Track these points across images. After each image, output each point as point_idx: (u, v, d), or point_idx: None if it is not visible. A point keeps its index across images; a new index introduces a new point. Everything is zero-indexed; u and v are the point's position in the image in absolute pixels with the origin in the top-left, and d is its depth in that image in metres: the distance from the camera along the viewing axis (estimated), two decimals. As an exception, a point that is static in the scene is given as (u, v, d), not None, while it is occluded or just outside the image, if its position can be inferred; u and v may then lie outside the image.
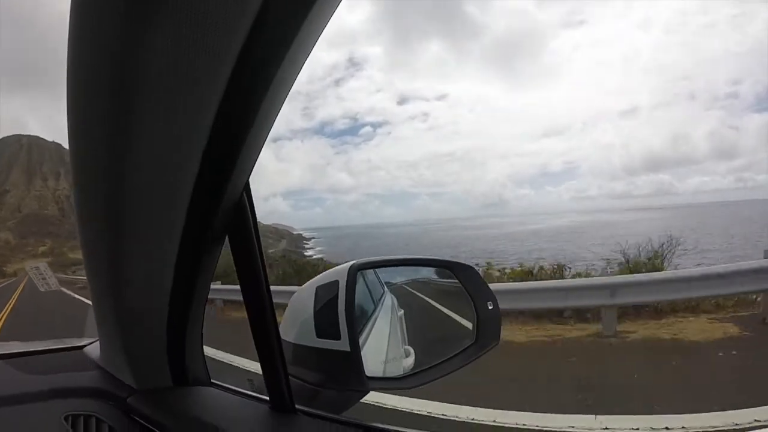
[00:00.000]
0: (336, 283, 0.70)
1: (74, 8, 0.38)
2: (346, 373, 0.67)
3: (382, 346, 0.86)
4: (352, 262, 0.73)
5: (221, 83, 0.42)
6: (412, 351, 0.89)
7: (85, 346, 1.06)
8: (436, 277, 0.99)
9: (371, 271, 0.99)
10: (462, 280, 0.88)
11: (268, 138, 0.53)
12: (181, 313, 0.71)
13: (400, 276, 1.09)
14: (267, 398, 0.68)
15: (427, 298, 1.00)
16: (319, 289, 0.73)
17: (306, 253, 56.48)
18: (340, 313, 0.67)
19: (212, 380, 0.86)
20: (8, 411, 0.81)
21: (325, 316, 0.70)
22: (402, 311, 1.00)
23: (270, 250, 48.77)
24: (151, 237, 0.59)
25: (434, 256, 0.99)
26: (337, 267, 0.74)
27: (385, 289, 1.02)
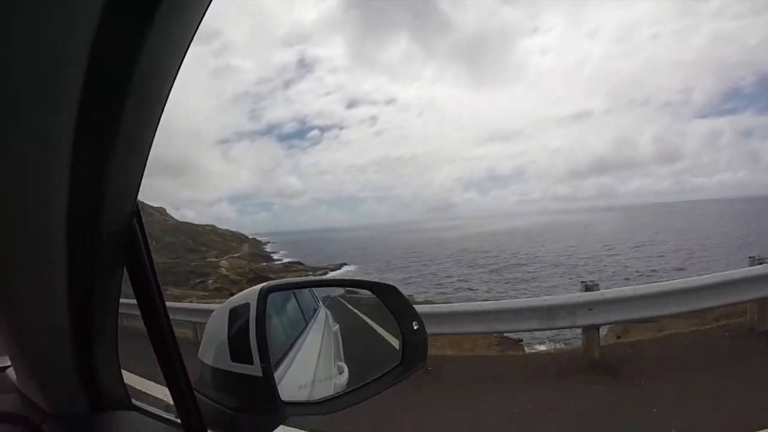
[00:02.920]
0: (248, 305, 0.66)
1: None
2: (260, 399, 0.64)
3: (310, 367, 0.83)
4: (262, 285, 0.70)
5: (74, 87, 0.37)
6: (345, 368, 0.86)
7: (7, 367, 1.00)
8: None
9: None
10: (385, 300, 0.87)
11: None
12: (87, 337, 0.67)
13: (339, 289, 1.06)
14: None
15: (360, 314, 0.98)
16: (233, 312, 0.69)
17: (274, 257, 55.44)
18: (251, 337, 0.64)
19: (134, 403, 0.82)
20: None
21: (238, 340, 0.67)
22: (337, 326, 0.97)
23: (235, 254, 47.62)
24: (32, 268, 0.55)
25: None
26: (249, 289, 0.70)
27: (320, 303, 0.99)
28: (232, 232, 63.21)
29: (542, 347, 7.12)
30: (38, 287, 0.58)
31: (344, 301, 1.01)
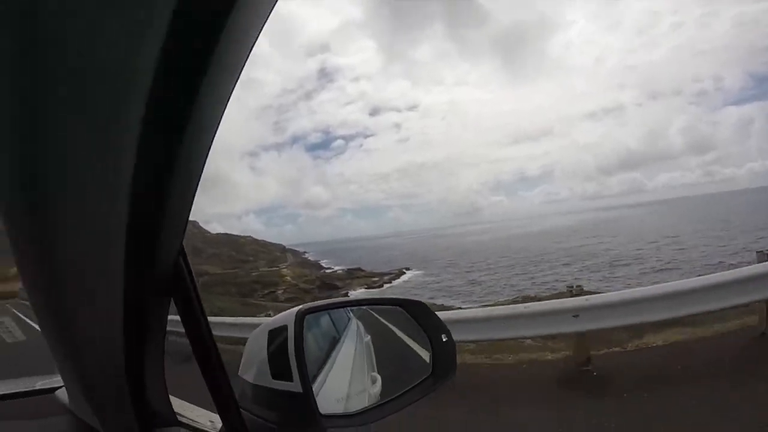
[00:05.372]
0: (285, 327, 0.72)
1: None
2: (301, 414, 0.69)
3: (345, 380, 0.87)
4: (298, 307, 0.75)
5: (134, 123, 0.40)
6: (378, 378, 0.90)
7: (57, 388, 1.08)
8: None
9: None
10: (414, 315, 0.90)
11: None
12: (138, 363, 0.74)
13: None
14: None
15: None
16: (271, 333, 0.75)
17: (323, 264, 56.10)
18: (291, 357, 0.69)
19: (180, 419, 0.88)
20: None
21: (277, 359, 0.72)
22: (369, 337, 1.01)
23: (285, 263, 48.75)
24: (93, 303, 0.62)
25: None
26: (285, 312, 0.76)
27: (351, 316, 1.03)
28: (271, 242, 64.28)
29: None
30: (97, 317, 0.65)
31: (374, 313, 1.05)
